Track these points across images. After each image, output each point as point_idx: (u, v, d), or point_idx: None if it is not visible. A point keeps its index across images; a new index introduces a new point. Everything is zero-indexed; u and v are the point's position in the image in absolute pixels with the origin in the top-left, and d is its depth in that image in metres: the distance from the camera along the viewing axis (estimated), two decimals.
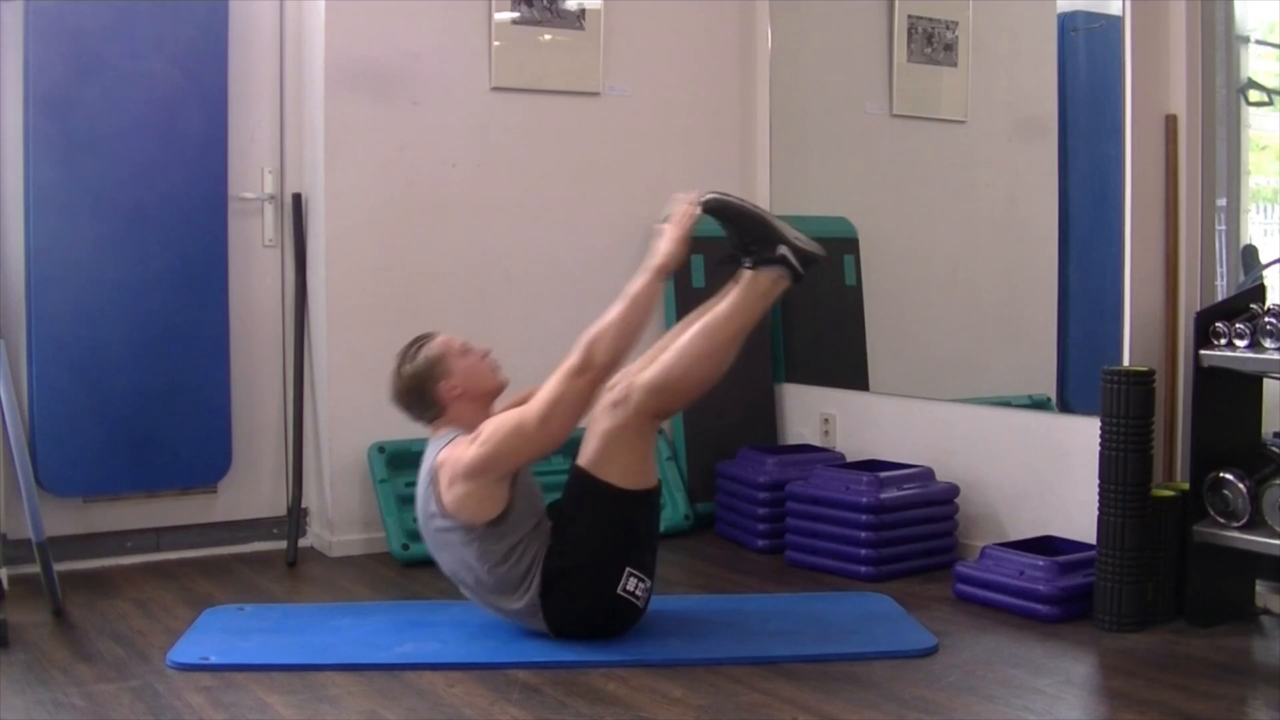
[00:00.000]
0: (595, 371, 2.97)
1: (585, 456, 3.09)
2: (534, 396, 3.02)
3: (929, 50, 4.64)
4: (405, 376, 3.19)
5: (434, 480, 3.06)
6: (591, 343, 2.97)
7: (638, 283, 3.05)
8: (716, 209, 3.14)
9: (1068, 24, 4.20)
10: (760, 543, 4.10)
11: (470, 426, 3.09)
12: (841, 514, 3.80)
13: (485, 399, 3.20)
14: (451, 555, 3.10)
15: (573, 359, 2.98)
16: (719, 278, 4.50)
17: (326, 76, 4.06)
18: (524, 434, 2.96)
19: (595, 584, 3.04)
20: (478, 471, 2.98)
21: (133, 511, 3.99)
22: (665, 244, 3.09)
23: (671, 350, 3.12)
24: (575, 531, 3.06)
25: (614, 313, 3.01)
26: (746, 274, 3.16)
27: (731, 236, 3.17)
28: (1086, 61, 4.16)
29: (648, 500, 3.11)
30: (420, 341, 3.23)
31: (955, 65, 4.68)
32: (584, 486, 3.07)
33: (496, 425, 2.99)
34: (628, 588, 3.04)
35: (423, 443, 4.09)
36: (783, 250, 3.13)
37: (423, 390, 3.17)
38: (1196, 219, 3.54)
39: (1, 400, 3.40)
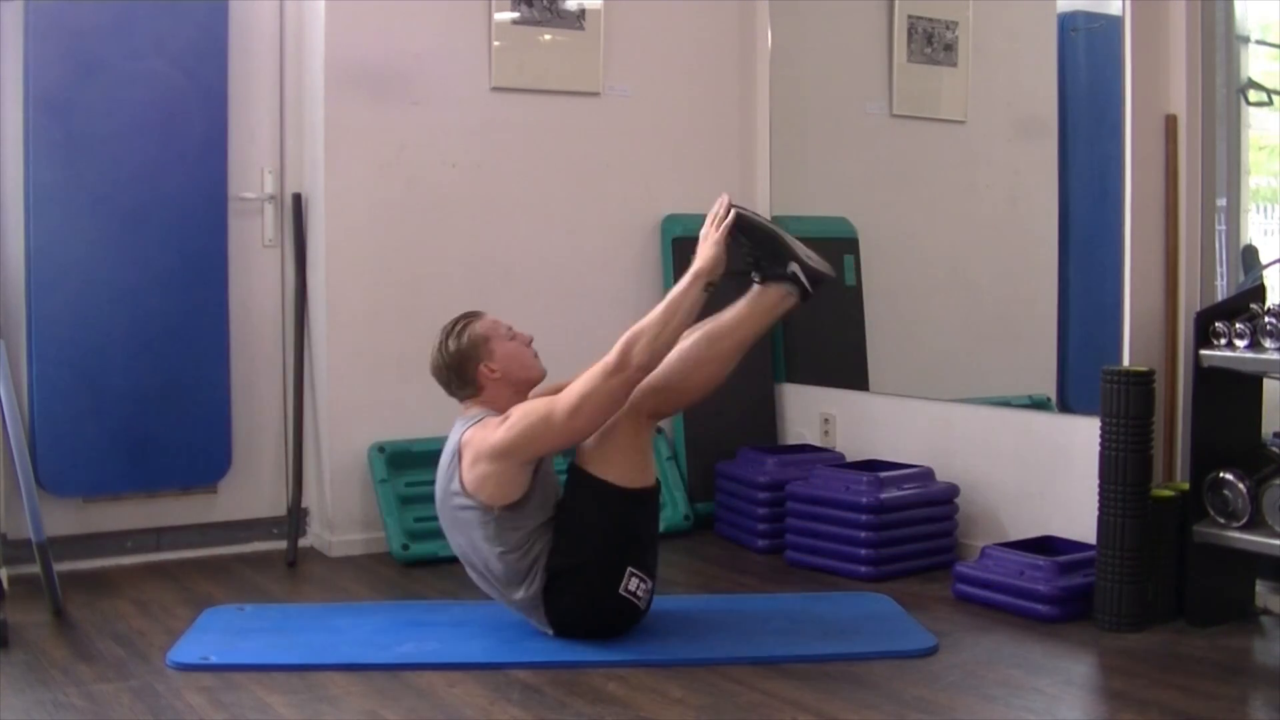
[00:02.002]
0: (630, 372, 2.96)
1: (583, 454, 3.09)
2: (567, 389, 3.01)
3: (929, 50, 4.64)
4: (449, 353, 3.16)
5: (457, 457, 3.06)
6: (629, 343, 2.97)
7: (679, 287, 3.05)
8: (737, 222, 3.12)
9: (1068, 24, 4.19)
10: (760, 543, 4.10)
11: (502, 410, 3.08)
12: (841, 514, 3.80)
13: (523, 386, 3.18)
14: (465, 536, 3.10)
15: (609, 357, 2.97)
16: (722, 282, 4.53)
17: (326, 76, 4.06)
18: (551, 424, 2.97)
19: (597, 584, 3.04)
20: (501, 454, 2.98)
21: (133, 511, 3.99)
22: (704, 248, 3.08)
23: (674, 353, 3.11)
24: (577, 530, 3.06)
25: (654, 315, 3.02)
26: (755, 287, 3.18)
27: (744, 250, 3.18)
28: (1086, 61, 4.16)
29: (646, 498, 3.12)
30: (467, 319, 3.20)
31: (955, 65, 4.68)
32: (582, 484, 3.07)
33: (525, 411, 3.00)
34: (629, 588, 3.04)
35: (423, 442, 4.13)
36: (793, 268, 3.15)
37: (463, 368, 3.15)
38: (1196, 219, 3.54)
39: (1, 400, 3.41)
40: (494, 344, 3.16)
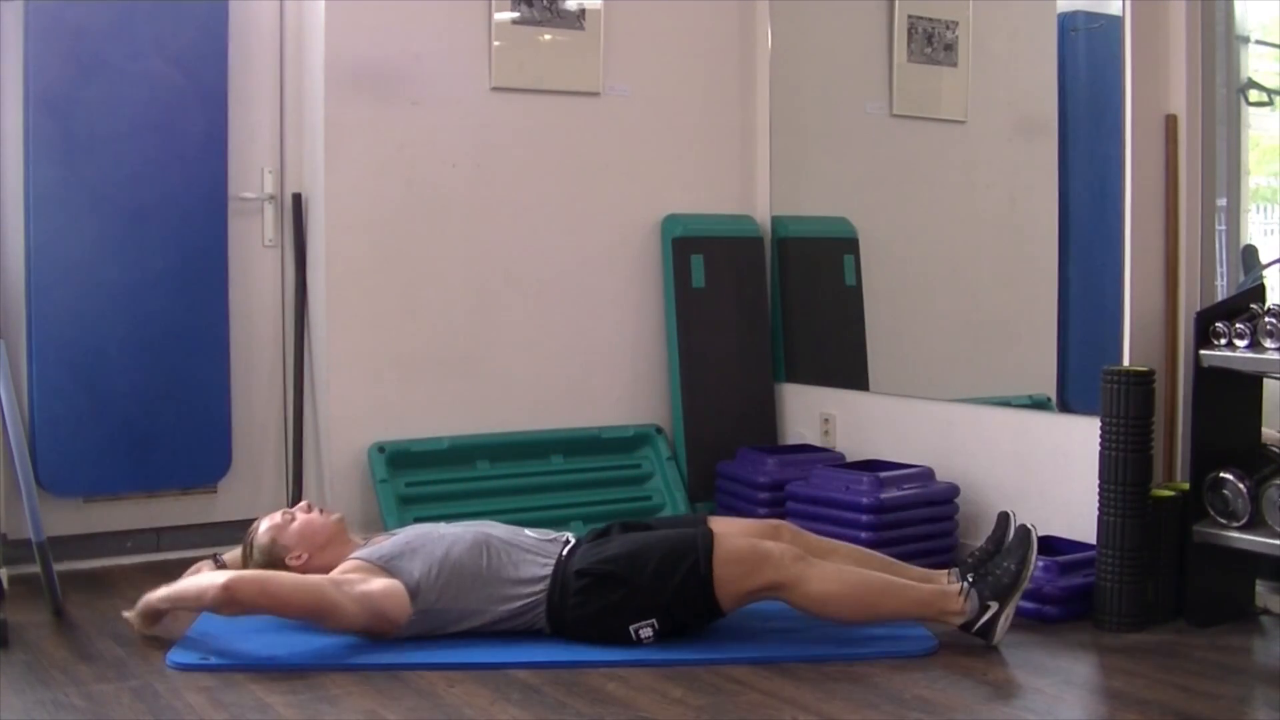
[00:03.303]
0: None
1: (725, 536, 3.09)
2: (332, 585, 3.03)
3: (929, 50, 4.64)
4: (258, 568, 3.20)
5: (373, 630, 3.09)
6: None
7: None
8: (1022, 539, 3.09)
9: (1068, 24, 4.19)
10: None
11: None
12: (841, 514, 3.80)
13: (331, 545, 3.20)
14: (439, 622, 3.11)
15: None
16: (722, 283, 4.55)
17: (326, 76, 4.06)
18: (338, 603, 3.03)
19: (617, 606, 3.04)
20: (354, 615, 3.03)
21: (133, 511, 3.99)
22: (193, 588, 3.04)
23: (851, 577, 3.08)
24: (647, 560, 3.06)
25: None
26: (953, 585, 3.09)
27: (991, 557, 3.12)
28: (1086, 61, 4.16)
29: (711, 611, 3.09)
30: (250, 535, 3.27)
31: (955, 65, 4.68)
32: (693, 549, 3.05)
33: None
34: (640, 632, 3.04)
35: (423, 442, 4.14)
36: (992, 607, 3.05)
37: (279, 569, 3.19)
38: (1196, 219, 3.54)
39: (2, 400, 3.40)
40: (281, 538, 3.20)
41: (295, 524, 3.22)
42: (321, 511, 3.29)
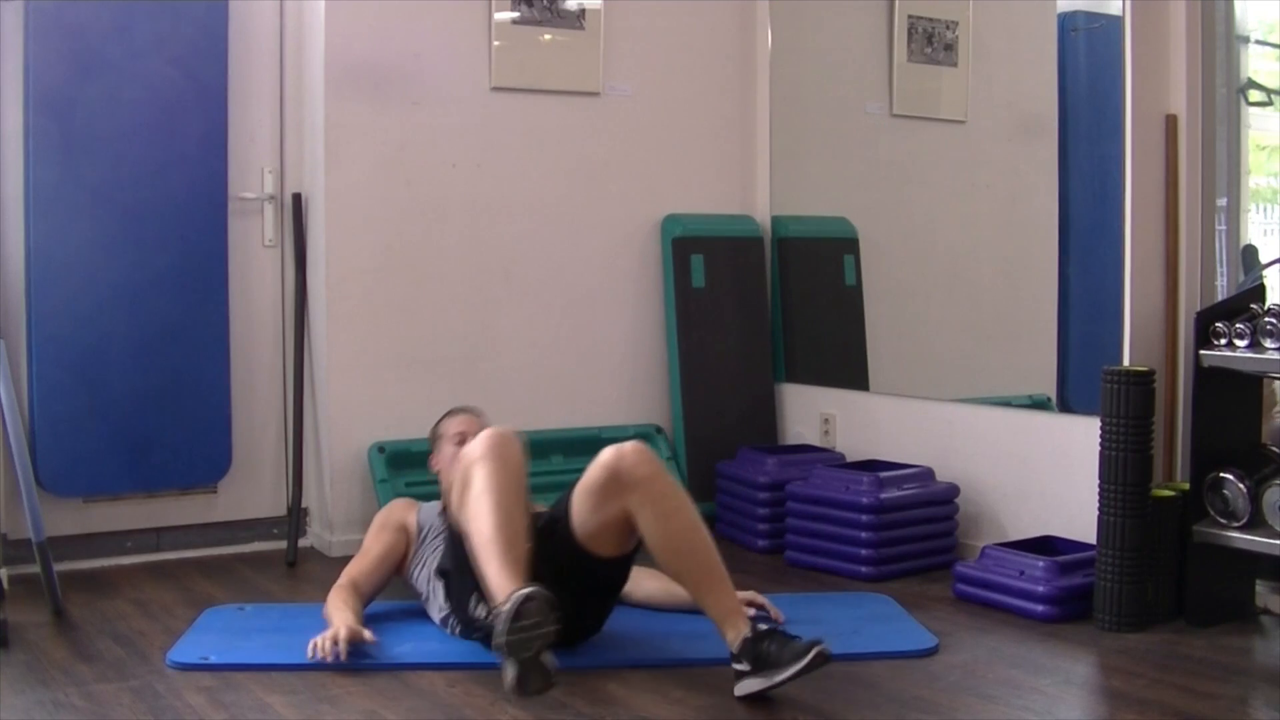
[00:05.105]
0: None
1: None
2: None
3: (929, 50, 4.64)
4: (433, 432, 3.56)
5: None
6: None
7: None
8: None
9: (1068, 24, 4.20)
10: (760, 543, 4.10)
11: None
12: (842, 514, 3.80)
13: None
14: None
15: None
16: (722, 283, 4.55)
17: (326, 76, 4.06)
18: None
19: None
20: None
21: (133, 511, 3.99)
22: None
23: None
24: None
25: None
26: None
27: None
28: (1086, 61, 4.16)
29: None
30: (450, 413, 3.52)
31: (955, 65, 4.68)
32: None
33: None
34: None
35: (423, 442, 4.11)
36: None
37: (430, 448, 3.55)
38: (1196, 219, 3.54)
39: (2, 400, 3.40)
40: (442, 444, 3.44)
41: (450, 452, 3.34)
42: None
